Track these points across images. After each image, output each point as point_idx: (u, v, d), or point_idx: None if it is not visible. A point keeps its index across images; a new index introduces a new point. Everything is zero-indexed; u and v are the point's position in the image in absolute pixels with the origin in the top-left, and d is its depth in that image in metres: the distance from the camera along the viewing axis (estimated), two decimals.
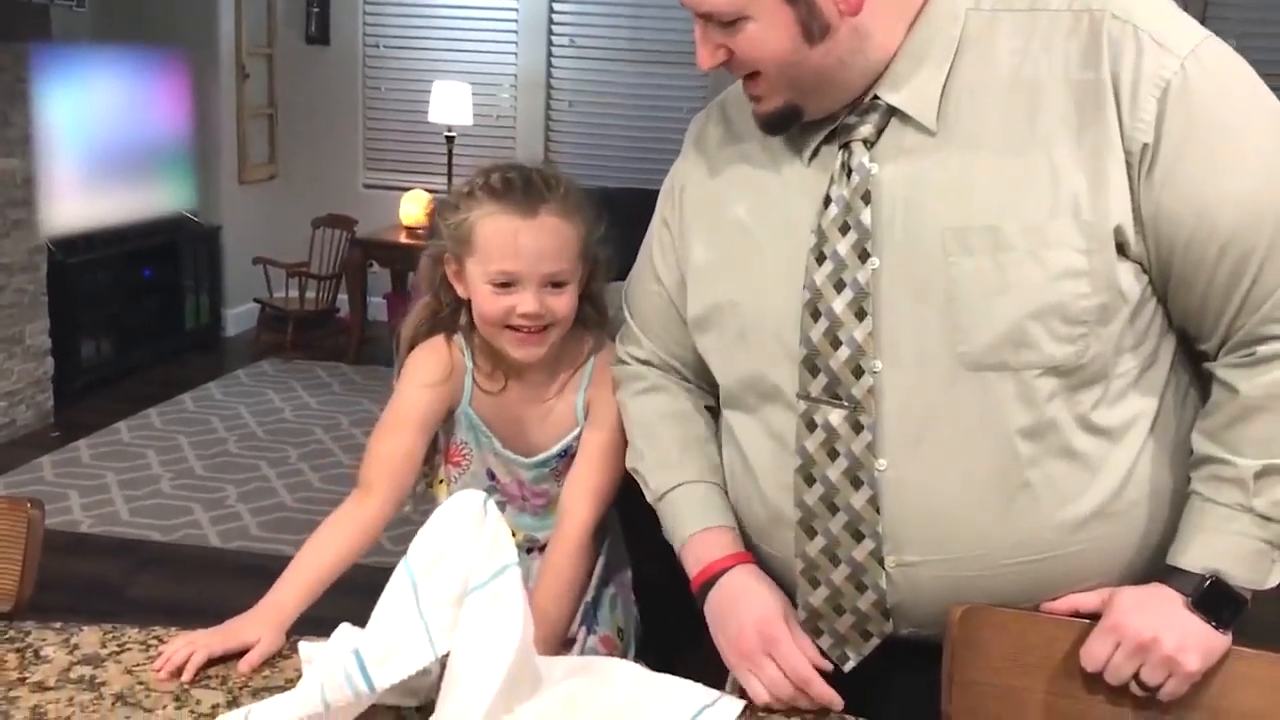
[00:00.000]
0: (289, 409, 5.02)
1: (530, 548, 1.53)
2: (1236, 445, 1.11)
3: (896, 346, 1.14)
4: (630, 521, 1.54)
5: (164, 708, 1.14)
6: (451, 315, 1.50)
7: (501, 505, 1.49)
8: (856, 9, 1.11)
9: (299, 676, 1.20)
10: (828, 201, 1.17)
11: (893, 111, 1.15)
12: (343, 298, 5.89)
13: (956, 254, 1.10)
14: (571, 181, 1.44)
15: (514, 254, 1.38)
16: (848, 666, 1.23)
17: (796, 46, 1.11)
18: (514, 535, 1.44)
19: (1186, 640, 1.09)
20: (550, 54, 6.21)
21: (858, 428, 1.16)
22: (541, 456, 1.51)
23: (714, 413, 1.39)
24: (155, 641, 1.25)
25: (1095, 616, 1.14)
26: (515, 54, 6.24)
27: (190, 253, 5.81)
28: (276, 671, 1.22)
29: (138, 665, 1.21)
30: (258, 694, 1.17)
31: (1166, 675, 1.10)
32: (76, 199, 5.03)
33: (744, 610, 1.23)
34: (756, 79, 1.16)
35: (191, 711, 1.13)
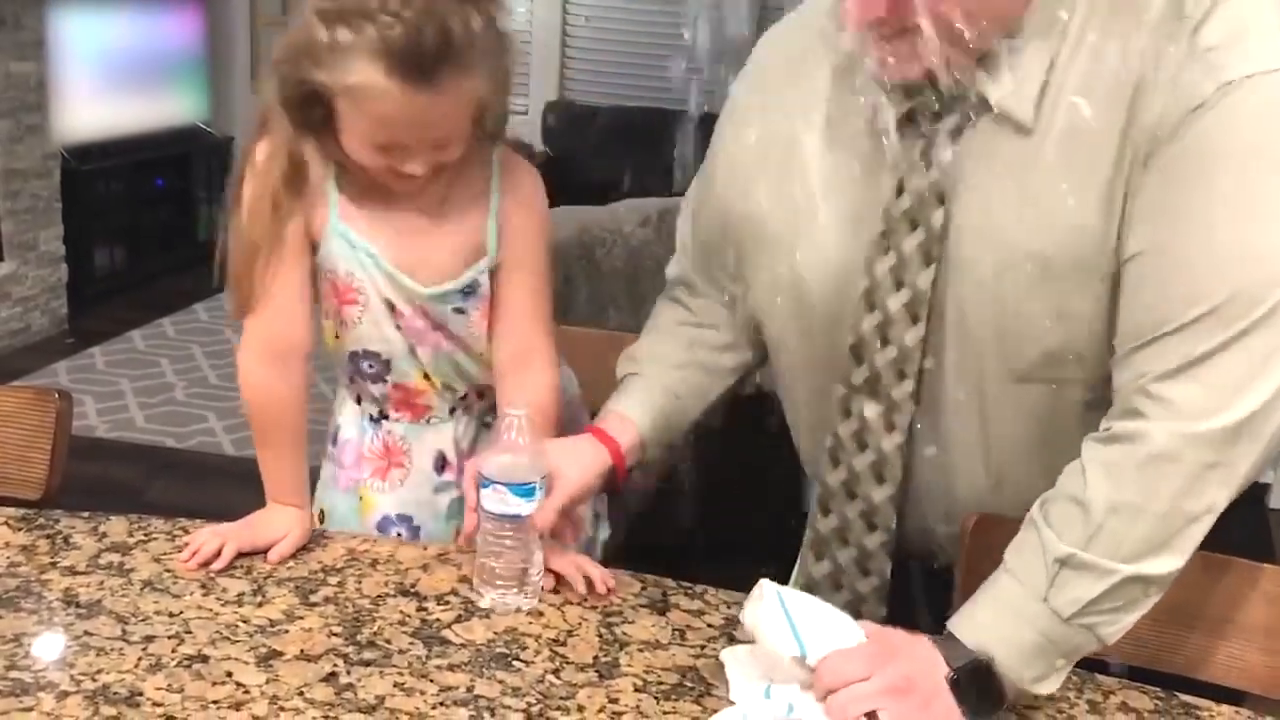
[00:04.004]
0: None
1: (465, 393, 1.37)
2: (1057, 521, 1.01)
3: (944, 353, 1.11)
4: None
5: (191, 594, 1.16)
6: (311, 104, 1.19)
7: (410, 349, 1.33)
8: None
9: (322, 569, 1.22)
10: (900, 189, 1.08)
11: (986, 102, 1.03)
12: None
13: (1011, 274, 1.04)
14: (489, 11, 1.17)
15: (405, 126, 1.16)
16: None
17: None
18: (432, 382, 1.34)
19: (934, 708, 0.98)
20: None
21: (890, 426, 1.15)
22: (441, 289, 1.29)
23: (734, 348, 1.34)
24: (181, 533, 1.27)
25: None
26: None
27: (203, 163, 5.78)
28: (301, 563, 1.24)
29: (165, 554, 1.23)
30: (282, 584, 1.19)
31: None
32: (90, 106, 4.99)
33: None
34: (911, 33, 1.00)
35: (218, 599, 1.16)
